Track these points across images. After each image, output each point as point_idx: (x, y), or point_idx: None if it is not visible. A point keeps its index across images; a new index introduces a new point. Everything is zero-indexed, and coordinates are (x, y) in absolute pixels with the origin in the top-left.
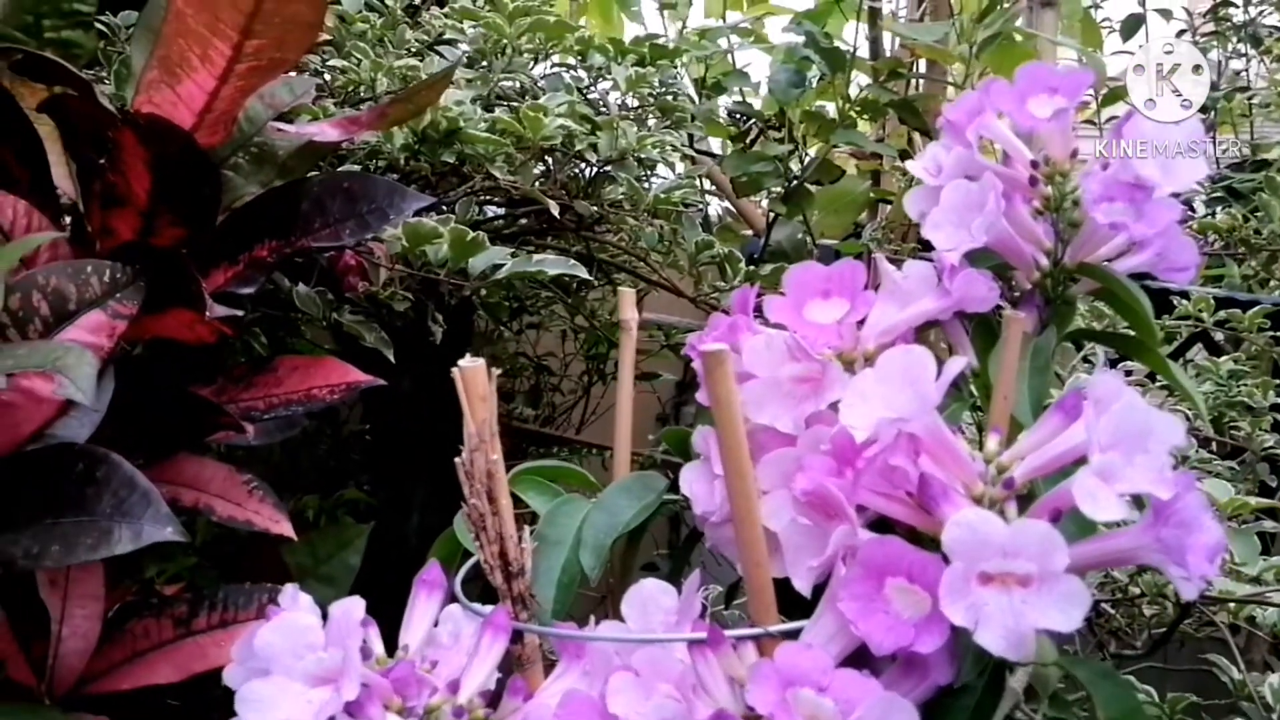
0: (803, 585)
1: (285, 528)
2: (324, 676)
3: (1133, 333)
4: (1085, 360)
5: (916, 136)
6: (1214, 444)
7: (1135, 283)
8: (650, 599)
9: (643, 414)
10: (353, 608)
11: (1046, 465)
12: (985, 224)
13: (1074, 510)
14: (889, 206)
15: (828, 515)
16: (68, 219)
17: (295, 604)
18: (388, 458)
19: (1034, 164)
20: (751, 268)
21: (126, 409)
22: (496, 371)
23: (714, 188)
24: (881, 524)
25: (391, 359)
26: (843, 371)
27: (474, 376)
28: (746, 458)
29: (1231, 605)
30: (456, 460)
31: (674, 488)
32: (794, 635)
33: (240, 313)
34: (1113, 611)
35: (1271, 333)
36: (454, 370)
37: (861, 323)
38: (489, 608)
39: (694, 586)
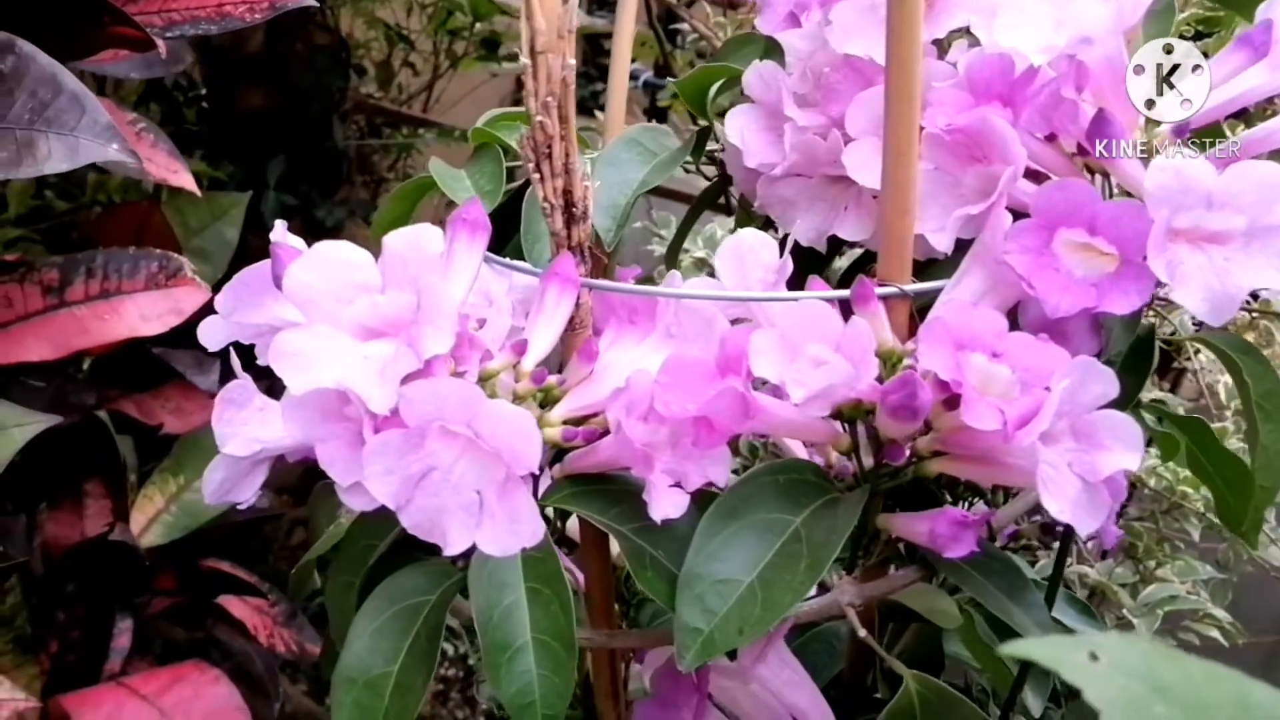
0: (943, 240)
1: (185, 179)
2: (378, 328)
3: None
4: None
5: None
6: None
7: None
8: (749, 252)
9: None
10: (424, 237)
11: (1223, 108)
12: None
13: None
14: None
15: (971, 159)
16: None
17: (286, 237)
18: (235, 130)
19: None
20: None
21: None
22: None
23: None
24: None
25: None
26: None
27: None
28: (920, 58)
29: None
30: (523, 61)
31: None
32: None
33: None
34: None
35: None
36: None
37: None
38: (521, 263)
39: (790, 243)
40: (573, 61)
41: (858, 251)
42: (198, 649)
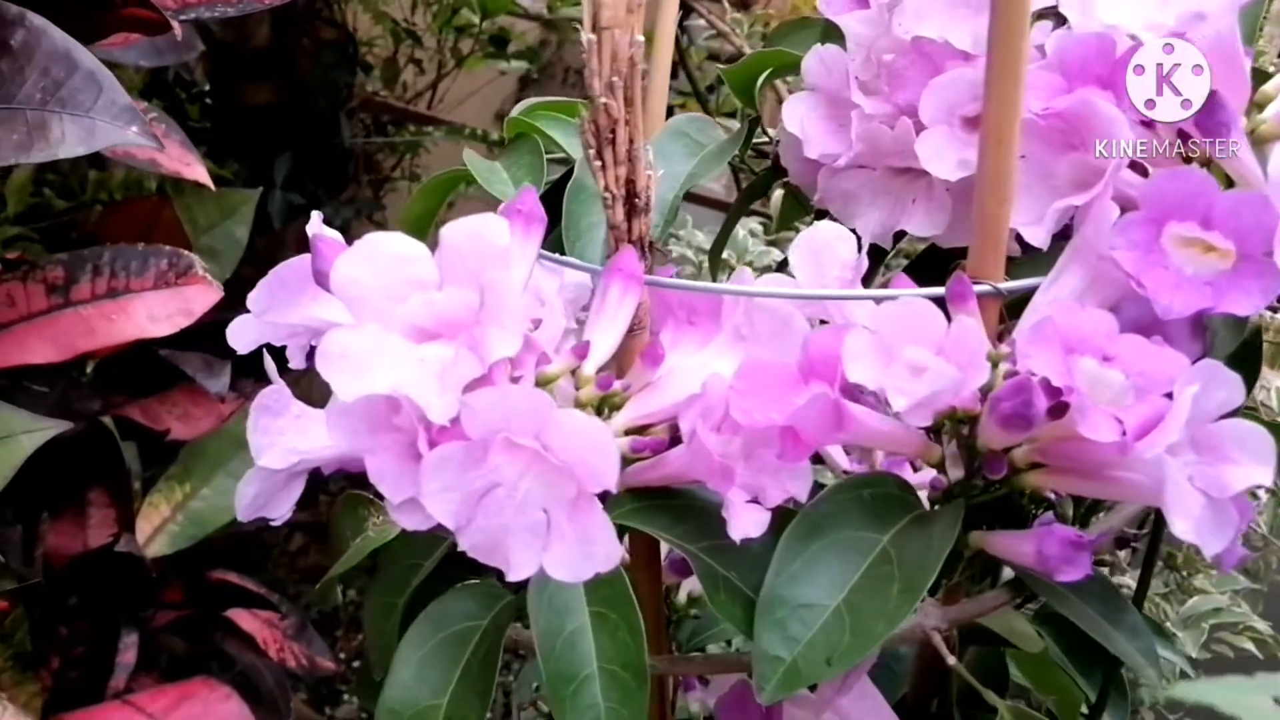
0: (1039, 233)
1: (199, 172)
2: (433, 329)
3: None
4: None
5: None
6: None
7: None
8: (826, 247)
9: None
10: (486, 228)
11: None
12: None
13: None
14: None
15: (1067, 146)
16: None
17: (324, 230)
18: (241, 126)
19: None
20: None
21: None
22: None
23: None
24: None
25: None
26: None
27: None
28: (1028, 34)
29: None
30: (587, 37)
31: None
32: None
33: None
34: None
35: None
36: None
37: None
38: (576, 260)
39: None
40: (641, 38)
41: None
42: (201, 663)
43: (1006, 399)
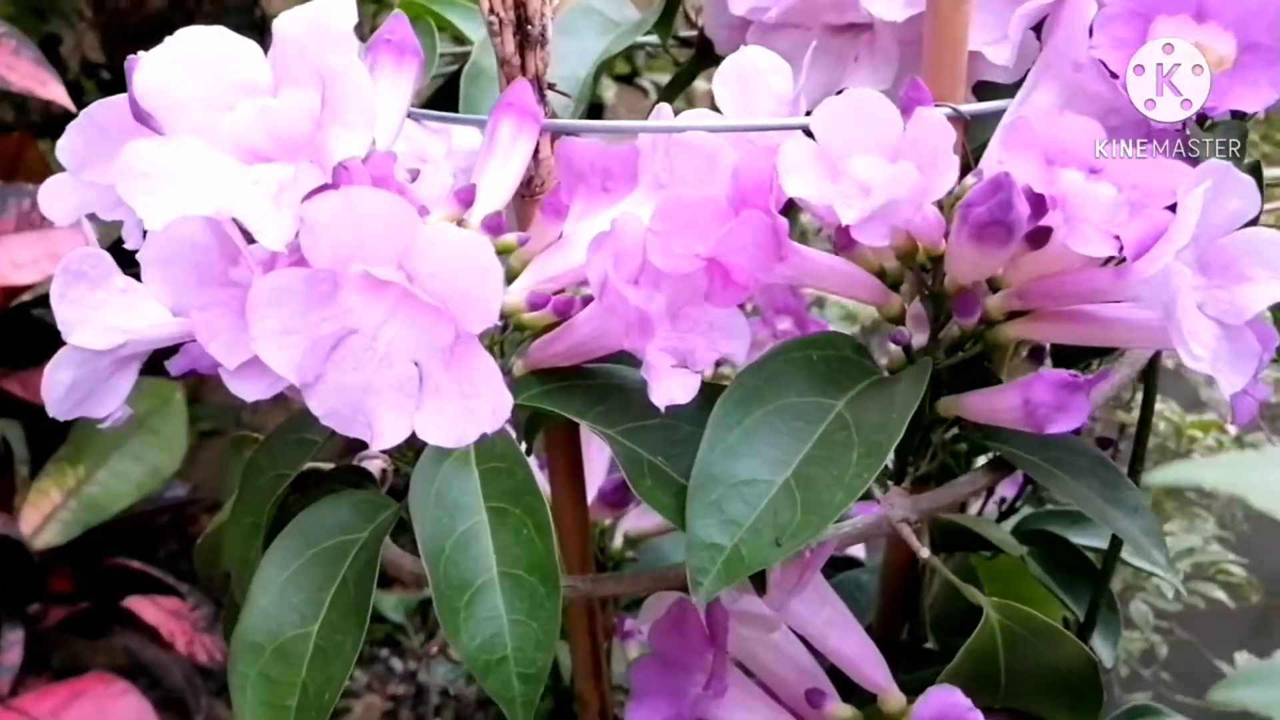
0: (1004, 51)
1: (56, 91)
2: (269, 150)
3: None
4: None
5: None
6: None
7: None
8: (755, 75)
9: None
10: (327, 13)
11: None
12: None
13: None
14: None
15: None
16: None
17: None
18: None
19: None
20: None
21: None
22: None
23: None
24: None
25: None
26: None
27: None
28: None
29: None
30: None
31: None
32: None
33: None
34: None
35: None
36: None
37: None
38: (451, 114)
39: (805, 66)
40: None
41: None
42: (114, 668)
43: (980, 202)
